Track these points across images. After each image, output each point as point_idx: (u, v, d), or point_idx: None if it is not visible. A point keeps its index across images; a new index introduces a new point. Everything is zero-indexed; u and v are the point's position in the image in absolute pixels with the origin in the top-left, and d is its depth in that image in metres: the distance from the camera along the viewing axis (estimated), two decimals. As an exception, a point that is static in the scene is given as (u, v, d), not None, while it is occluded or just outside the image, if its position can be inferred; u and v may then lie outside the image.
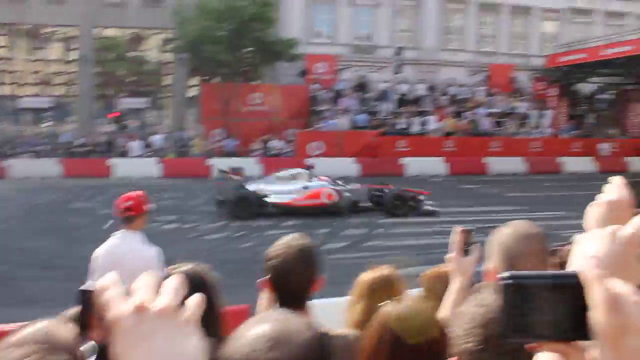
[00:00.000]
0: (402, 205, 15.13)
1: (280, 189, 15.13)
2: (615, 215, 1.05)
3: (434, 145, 25.97)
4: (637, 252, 0.87)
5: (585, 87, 33.85)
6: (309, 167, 16.90)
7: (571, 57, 30.08)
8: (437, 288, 2.44)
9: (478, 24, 34.43)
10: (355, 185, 16.23)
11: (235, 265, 9.15)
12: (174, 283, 0.76)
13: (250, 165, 21.80)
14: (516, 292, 0.75)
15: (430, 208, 15.34)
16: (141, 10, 30.83)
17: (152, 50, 34.18)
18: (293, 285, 2.12)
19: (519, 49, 35.20)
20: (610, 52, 27.53)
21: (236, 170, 17.38)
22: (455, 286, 2.11)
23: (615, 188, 1.12)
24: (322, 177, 15.91)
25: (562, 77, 30.93)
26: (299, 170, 16.32)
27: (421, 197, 15.39)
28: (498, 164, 25.44)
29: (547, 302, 0.75)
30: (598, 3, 36.58)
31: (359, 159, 24.37)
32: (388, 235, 13.05)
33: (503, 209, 15.14)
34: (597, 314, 0.72)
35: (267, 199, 14.90)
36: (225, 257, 10.39)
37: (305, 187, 15.24)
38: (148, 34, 33.46)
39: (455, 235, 2.14)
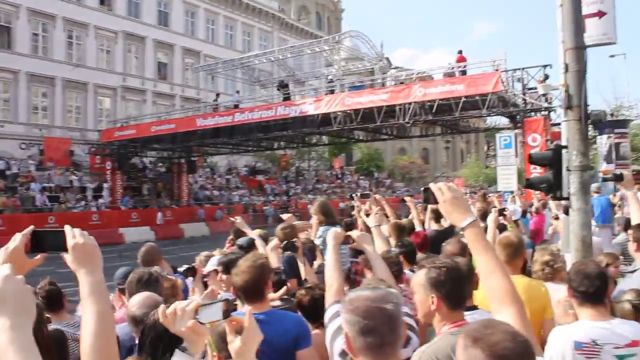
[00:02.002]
0: None
1: None
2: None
3: (-22, 225, 23.59)
4: None
5: (141, 160, 36.09)
6: None
7: (125, 133, 31.63)
8: None
9: (30, 95, 33.29)
10: None
11: None
12: None
13: None
14: None
15: None
16: None
17: None
18: None
19: (75, 122, 35.40)
20: (159, 129, 30.03)
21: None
22: None
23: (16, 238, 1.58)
24: None
25: (118, 151, 32.17)
26: None
27: None
28: (55, 240, 24.64)
29: None
30: (149, 84, 39.93)
31: None
32: None
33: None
34: None
35: None
36: None
37: None
38: None
39: None
